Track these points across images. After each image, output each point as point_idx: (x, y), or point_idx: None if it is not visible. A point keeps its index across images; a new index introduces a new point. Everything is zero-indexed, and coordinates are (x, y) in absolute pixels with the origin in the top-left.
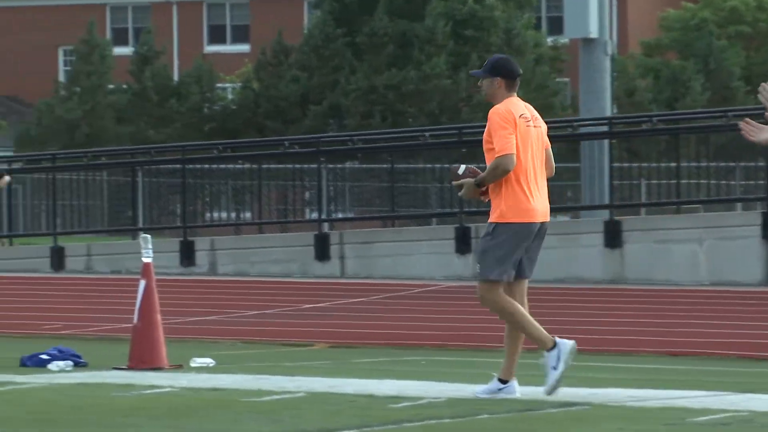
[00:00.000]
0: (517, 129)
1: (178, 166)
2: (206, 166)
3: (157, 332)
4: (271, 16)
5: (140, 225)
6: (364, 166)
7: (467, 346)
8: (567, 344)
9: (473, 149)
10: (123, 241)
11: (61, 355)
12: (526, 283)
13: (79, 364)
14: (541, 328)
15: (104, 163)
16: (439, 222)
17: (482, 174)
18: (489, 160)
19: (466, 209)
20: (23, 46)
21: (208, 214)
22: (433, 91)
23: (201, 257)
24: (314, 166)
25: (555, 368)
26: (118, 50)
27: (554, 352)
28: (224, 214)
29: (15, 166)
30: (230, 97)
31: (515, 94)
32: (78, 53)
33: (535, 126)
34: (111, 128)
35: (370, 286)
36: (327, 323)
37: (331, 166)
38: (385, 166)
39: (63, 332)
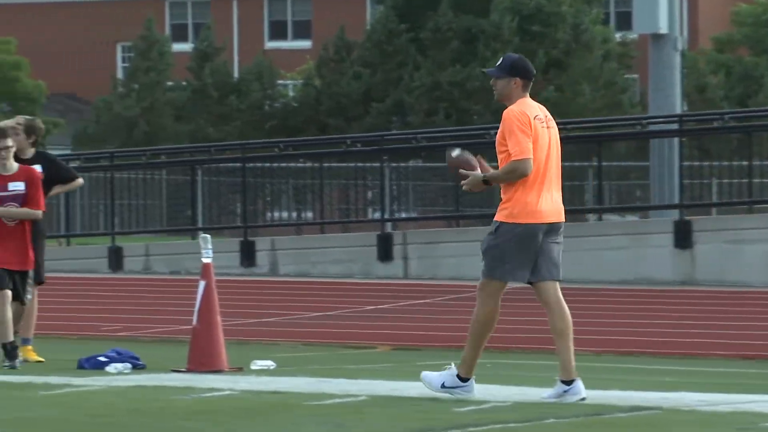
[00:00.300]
0: (533, 130)
1: (238, 164)
2: (267, 164)
3: (217, 334)
4: (333, 12)
5: (200, 225)
6: (428, 164)
7: (533, 348)
8: (471, 389)
9: None
10: (182, 241)
11: (120, 357)
12: (555, 287)
13: (137, 367)
14: (477, 358)
15: (163, 162)
16: None
17: (494, 172)
18: (502, 162)
19: None
20: (81, 43)
21: (268, 214)
22: None
23: (261, 257)
24: (377, 164)
25: (443, 387)
26: (177, 46)
27: (466, 383)
28: (285, 214)
29: (73, 164)
30: (291, 94)
31: (528, 94)
32: (136, 50)
33: (548, 127)
34: (170, 126)
35: (434, 288)
36: (390, 325)
37: (394, 164)
38: None
39: (121, 334)
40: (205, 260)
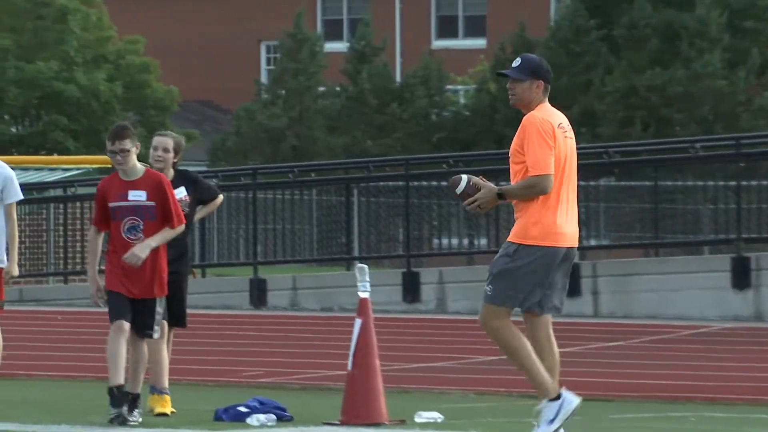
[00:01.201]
0: (556, 141)
1: (400, 183)
2: (434, 183)
3: (376, 381)
4: (510, 5)
5: (355, 253)
6: (622, 183)
7: (745, 399)
8: (573, 401)
9: (755, 163)
10: (335, 273)
11: (263, 408)
12: (550, 318)
13: (283, 419)
14: (545, 373)
15: (313, 180)
16: (712, 251)
17: (511, 186)
18: (516, 174)
19: (745, 236)
20: (219, 42)
21: (435, 241)
22: (706, 93)
23: (427, 292)
24: None
25: (551, 422)
26: (331, 46)
27: (555, 404)
28: (455, 241)
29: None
30: (462, 101)
31: (547, 99)
32: (283, 49)
33: (569, 137)
34: (321, 138)
35: (629, 328)
36: (577, 371)
37: (583, 183)
38: (647, 183)
39: (264, 380)
40: (361, 294)
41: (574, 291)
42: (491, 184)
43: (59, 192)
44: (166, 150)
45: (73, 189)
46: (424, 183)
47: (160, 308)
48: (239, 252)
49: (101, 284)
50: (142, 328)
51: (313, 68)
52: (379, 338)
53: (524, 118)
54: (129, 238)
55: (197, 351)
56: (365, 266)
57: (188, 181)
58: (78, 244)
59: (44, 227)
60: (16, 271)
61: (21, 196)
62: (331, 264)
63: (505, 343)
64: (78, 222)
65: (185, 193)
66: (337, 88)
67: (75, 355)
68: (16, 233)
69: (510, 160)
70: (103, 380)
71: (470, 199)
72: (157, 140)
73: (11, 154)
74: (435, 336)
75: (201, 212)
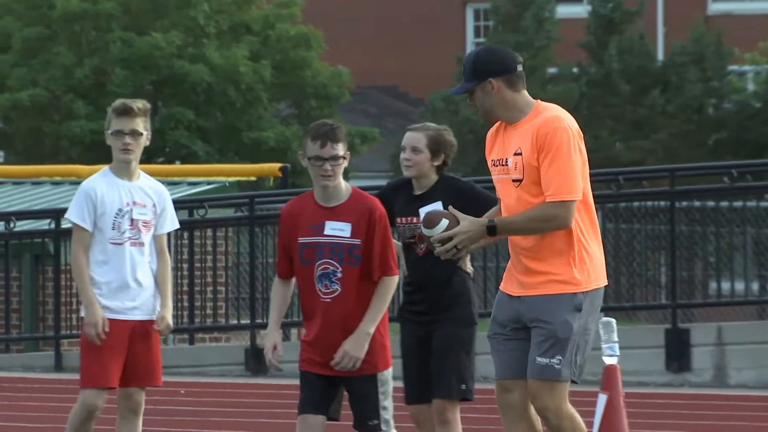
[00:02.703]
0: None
1: (663, 203)
2: (710, 204)
3: None
4: None
5: None
6: None
7: None
8: None
9: None
10: None
11: None
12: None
13: None
14: None
15: None
16: None
17: (512, 218)
18: (520, 201)
19: None
20: (408, 6)
21: (713, 285)
22: None
23: (700, 356)
24: None
25: None
26: (565, 10)
27: None
28: (740, 285)
29: None
30: (751, 87)
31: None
32: (498, 15)
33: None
34: None
35: None
36: None
37: None
38: None
39: None
40: (607, 360)
41: None
42: (471, 217)
43: (183, 215)
44: (415, 150)
45: (202, 212)
46: (697, 203)
47: (383, 386)
48: None
49: (278, 339)
50: (361, 421)
51: (541, 41)
52: (631, 421)
53: (542, 120)
54: (321, 291)
55: None
56: (612, 320)
57: (455, 192)
58: (208, 289)
59: None
60: (169, 324)
61: (177, 225)
62: None
63: (573, 427)
64: (209, 258)
65: (441, 208)
66: (575, 70)
67: None
68: (170, 273)
69: (506, 178)
70: None
71: (446, 234)
72: (406, 138)
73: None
74: (711, 419)
75: None
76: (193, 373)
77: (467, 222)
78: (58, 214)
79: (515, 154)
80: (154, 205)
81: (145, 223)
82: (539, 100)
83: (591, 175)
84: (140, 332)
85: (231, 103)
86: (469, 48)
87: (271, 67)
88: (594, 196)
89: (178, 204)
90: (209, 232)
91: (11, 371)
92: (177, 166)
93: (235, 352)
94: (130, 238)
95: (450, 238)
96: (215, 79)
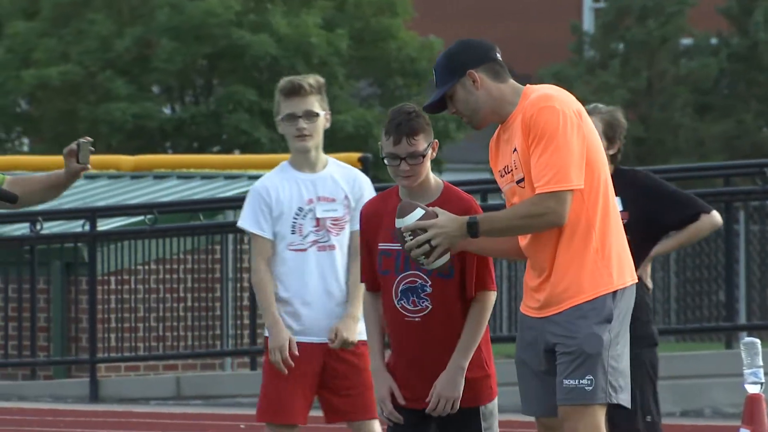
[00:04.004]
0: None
1: None
2: None
3: None
4: None
5: (740, 320)
6: None
7: None
8: None
9: None
10: (704, 352)
11: None
12: None
13: None
14: None
15: None
16: None
17: (497, 214)
18: (513, 196)
19: None
20: None
21: None
22: None
23: None
24: None
25: None
26: None
27: None
28: None
29: None
30: None
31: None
32: None
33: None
34: (685, 125)
35: None
36: None
37: None
38: None
39: None
40: (750, 388)
41: None
42: (451, 214)
43: None
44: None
45: None
46: None
47: (487, 421)
48: None
49: (392, 381)
50: None
51: (672, 6)
52: None
53: (529, 103)
54: (405, 308)
55: None
56: (756, 341)
57: (638, 188)
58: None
59: (218, 274)
60: (345, 338)
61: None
62: (698, 337)
63: None
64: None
65: (620, 207)
66: (713, 41)
67: None
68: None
69: (514, 187)
70: None
71: (420, 224)
72: None
73: (164, 150)
74: None
75: (669, 242)
76: (254, 404)
77: (445, 217)
78: (93, 213)
79: (513, 152)
80: (347, 197)
81: (334, 221)
82: (528, 84)
83: (730, 166)
84: (336, 356)
85: None
86: (587, 15)
87: (348, 38)
88: (735, 193)
89: (237, 202)
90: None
91: (39, 401)
92: (236, 156)
93: None
94: (316, 241)
95: (423, 231)
96: (281, 51)
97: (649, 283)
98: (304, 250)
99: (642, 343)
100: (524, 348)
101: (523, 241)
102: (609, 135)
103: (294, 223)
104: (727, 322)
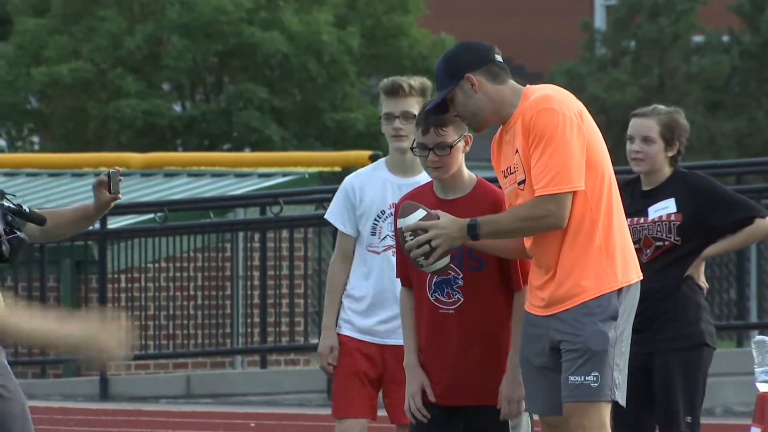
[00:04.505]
0: (585, 139)
1: None
2: None
3: None
4: None
5: (751, 318)
6: None
7: None
8: None
9: None
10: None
11: None
12: None
13: None
14: None
15: None
16: None
17: (496, 217)
18: (516, 199)
19: None
20: None
21: None
22: None
23: None
24: None
25: None
26: None
27: None
28: None
29: None
30: None
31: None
32: None
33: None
34: (697, 122)
35: None
36: None
37: None
38: None
39: None
40: (761, 386)
41: None
42: (452, 216)
43: (253, 213)
44: (647, 140)
45: (276, 209)
46: None
47: (514, 420)
48: None
49: (426, 380)
50: None
51: (684, 3)
52: None
53: (528, 104)
54: (438, 301)
55: None
56: (767, 339)
57: (692, 189)
58: (284, 302)
59: (228, 272)
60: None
61: None
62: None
63: None
64: (284, 265)
65: (674, 209)
66: (725, 38)
67: None
68: None
69: (516, 188)
70: None
71: (422, 224)
72: (632, 125)
73: (175, 147)
74: None
75: (722, 244)
76: (264, 402)
77: (447, 219)
78: None
79: (516, 153)
80: None
81: None
82: (528, 85)
83: (743, 164)
84: (398, 360)
85: (311, 78)
86: (598, 12)
87: (359, 35)
88: (747, 191)
89: (248, 200)
90: (285, 234)
91: (48, 400)
92: (246, 154)
93: (315, 377)
94: (390, 246)
95: (424, 232)
96: (293, 49)
97: (703, 283)
98: (378, 253)
99: (684, 343)
100: (529, 346)
101: (528, 241)
102: (667, 137)
103: (375, 225)
104: (739, 321)
